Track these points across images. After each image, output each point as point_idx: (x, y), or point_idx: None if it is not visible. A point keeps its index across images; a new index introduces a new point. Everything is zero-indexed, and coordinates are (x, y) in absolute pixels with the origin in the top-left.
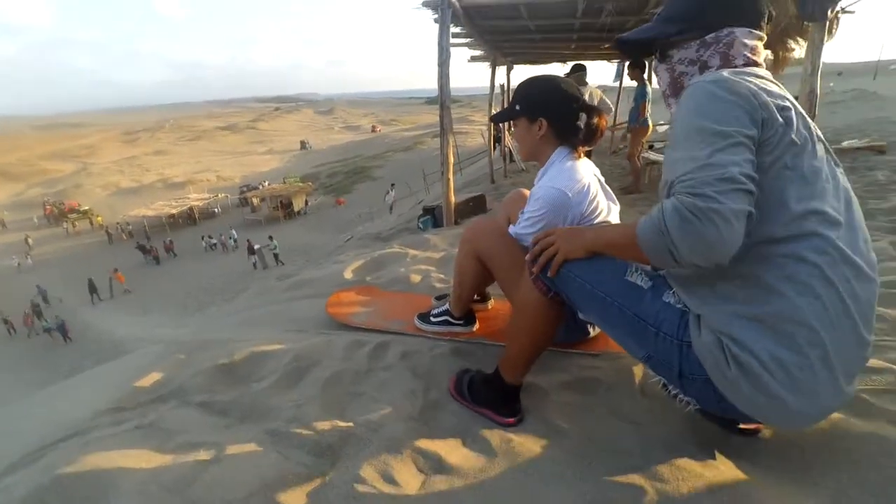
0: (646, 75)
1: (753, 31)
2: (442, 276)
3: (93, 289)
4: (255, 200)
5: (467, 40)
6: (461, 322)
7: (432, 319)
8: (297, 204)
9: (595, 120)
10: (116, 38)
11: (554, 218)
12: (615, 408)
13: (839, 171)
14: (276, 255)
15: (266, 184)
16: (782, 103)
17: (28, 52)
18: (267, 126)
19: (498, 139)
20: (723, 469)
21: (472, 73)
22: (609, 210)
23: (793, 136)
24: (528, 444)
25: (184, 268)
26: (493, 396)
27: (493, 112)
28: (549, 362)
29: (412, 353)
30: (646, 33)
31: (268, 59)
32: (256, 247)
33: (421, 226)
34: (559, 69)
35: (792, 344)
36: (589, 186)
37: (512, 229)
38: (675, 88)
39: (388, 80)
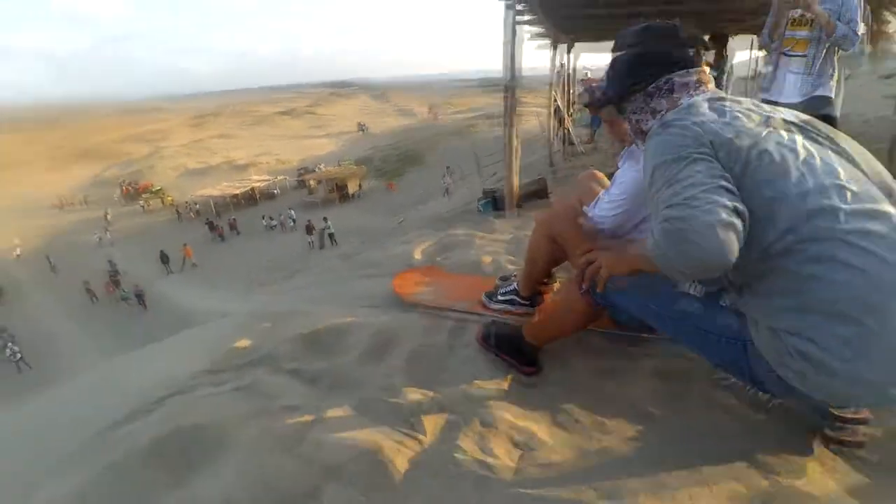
0: (727, 53)
1: (689, 69)
2: (512, 258)
3: (165, 259)
4: (311, 183)
5: (528, 18)
6: (528, 302)
7: (499, 297)
8: (352, 187)
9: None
10: (181, 28)
11: (634, 205)
12: (708, 396)
13: (828, 146)
14: (331, 236)
15: (322, 167)
16: (728, 115)
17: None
18: (324, 111)
19: (560, 121)
20: (829, 462)
21: (525, 55)
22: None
23: (746, 138)
24: (621, 427)
25: (246, 245)
26: (514, 349)
27: (555, 93)
28: (631, 349)
29: None
30: (603, 95)
31: (324, 44)
32: (319, 227)
33: (481, 208)
34: None
35: (845, 318)
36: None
37: (590, 211)
38: (637, 134)
39: (440, 62)
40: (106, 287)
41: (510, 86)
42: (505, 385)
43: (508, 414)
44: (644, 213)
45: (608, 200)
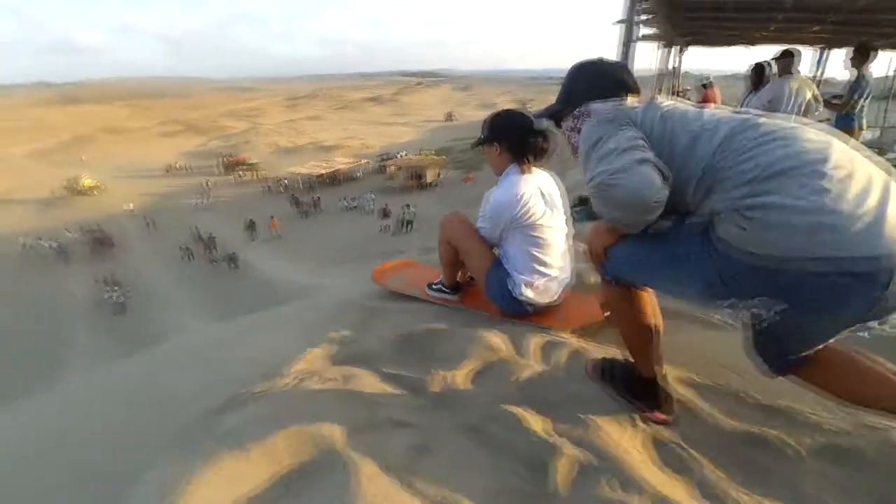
0: (871, 63)
1: (607, 100)
2: None
3: (251, 227)
4: (392, 169)
5: (646, 17)
6: (450, 291)
7: (433, 287)
8: (430, 176)
9: (540, 142)
10: (277, 14)
11: (496, 216)
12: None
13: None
14: (409, 223)
15: (403, 154)
16: (637, 109)
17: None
18: (408, 99)
19: None
20: None
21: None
22: (545, 214)
23: (660, 113)
24: None
25: (326, 223)
26: (632, 387)
27: (658, 94)
28: (799, 418)
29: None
30: (549, 109)
31: (408, 36)
32: (399, 212)
33: (575, 216)
34: (741, 53)
35: (791, 174)
36: (523, 196)
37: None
38: (572, 147)
39: (526, 57)
40: (203, 248)
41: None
42: (634, 432)
43: (648, 473)
44: (503, 224)
45: (480, 215)
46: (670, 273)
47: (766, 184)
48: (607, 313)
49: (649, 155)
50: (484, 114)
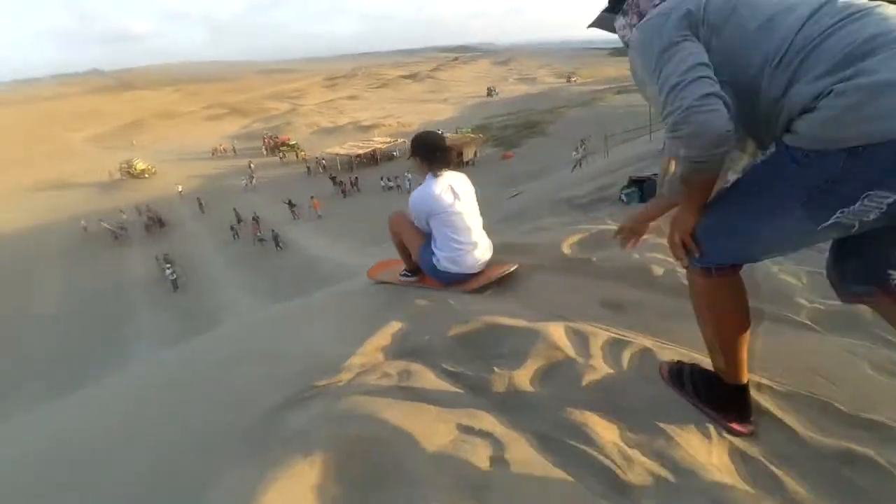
0: None
1: None
2: (684, 271)
3: (292, 207)
4: None
5: None
6: (410, 274)
7: (402, 274)
8: (467, 154)
9: (446, 154)
10: None
11: (416, 210)
12: None
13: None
14: None
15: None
16: None
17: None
18: (445, 75)
19: None
20: None
21: None
22: (454, 204)
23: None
24: None
25: (365, 203)
26: (713, 394)
27: None
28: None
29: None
30: (600, 16)
31: (451, 8)
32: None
33: (624, 198)
34: None
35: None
36: (433, 193)
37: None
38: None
39: (570, 25)
40: (250, 228)
41: None
42: (716, 445)
43: (733, 493)
44: (424, 215)
45: (409, 210)
46: (765, 212)
47: (863, 61)
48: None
49: (714, 84)
50: (525, 88)
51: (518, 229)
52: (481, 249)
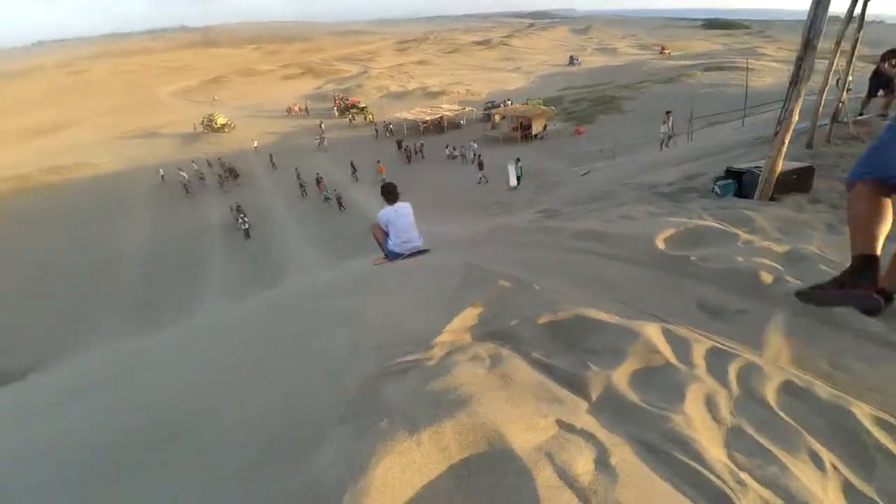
0: None
1: None
2: (798, 282)
3: (353, 169)
4: (496, 118)
5: None
6: (385, 258)
7: (383, 258)
8: (536, 127)
9: (393, 195)
10: None
11: (380, 220)
12: None
13: None
14: (520, 177)
15: (509, 102)
16: None
17: None
18: (519, 43)
19: (880, 83)
20: None
21: None
22: (397, 218)
23: None
24: None
25: (428, 170)
26: (842, 281)
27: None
28: None
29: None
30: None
31: None
32: (510, 164)
33: (718, 191)
34: None
35: None
36: (388, 213)
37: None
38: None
39: None
40: (319, 186)
41: (811, 39)
42: (829, 478)
43: None
44: (384, 223)
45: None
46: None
47: None
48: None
49: None
50: (603, 60)
51: (601, 215)
52: (412, 242)
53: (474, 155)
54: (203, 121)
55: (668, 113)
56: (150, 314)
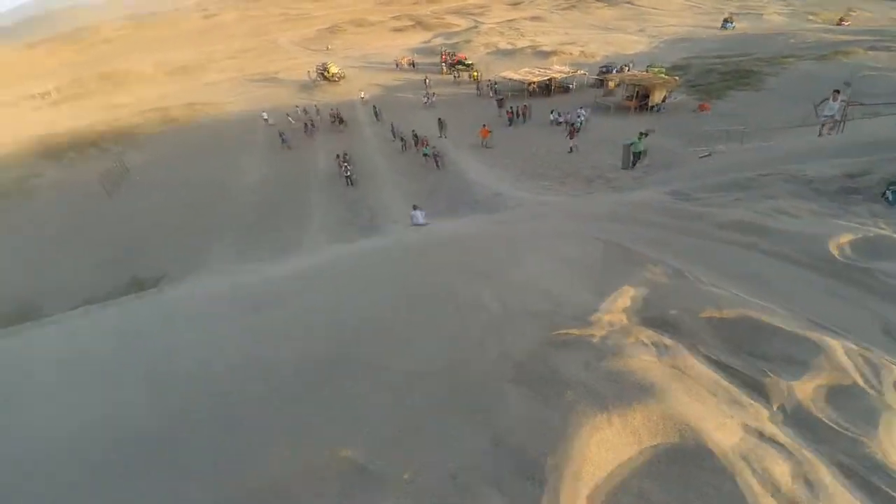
0: None
1: None
2: None
3: (441, 126)
4: (611, 84)
5: None
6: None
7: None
8: (655, 98)
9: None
10: None
11: (411, 215)
12: None
13: None
14: (640, 154)
15: (628, 67)
16: None
17: None
18: (645, 2)
19: None
20: None
21: None
22: (416, 214)
23: None
24: None
25: (528, 134)
26: None
27: None
28: None
29: None
30: None
31: None
32: (629, 142)
33: (891, 197)
34: None
35: None
36: (412, 213)
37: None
38: None
39: None
40: (422, 141)
41: None
42: None
43: None
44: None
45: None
46: None
47: None
48: None
49: None
50: (744, 26)
51: (748, 205)
52: (419, 220)
53: (582, 121)
54: (317, 69)
55: (836, 91)
56: (262, 241)
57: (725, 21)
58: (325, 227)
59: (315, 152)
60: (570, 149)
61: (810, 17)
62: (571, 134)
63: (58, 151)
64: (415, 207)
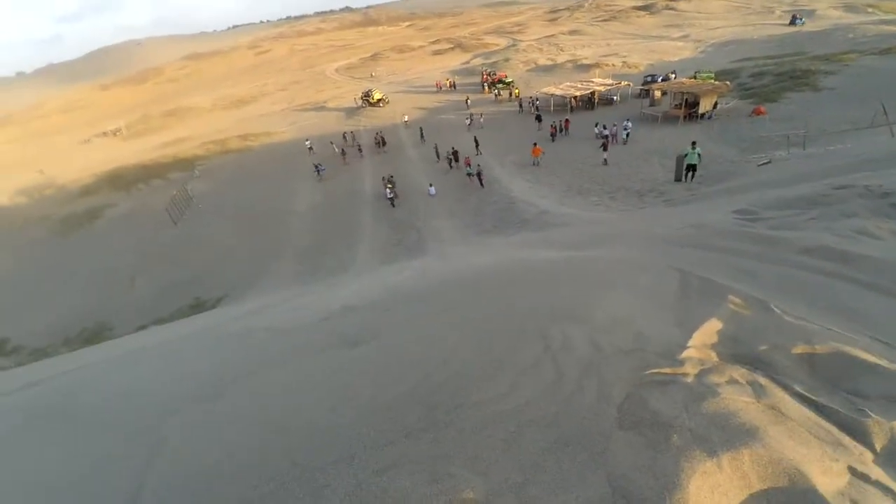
0: None
1: None
2: None
3: (477, 144)
4: (657, 93)
5: None
6: None
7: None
8: (705, 105)
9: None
10: None
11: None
12: None
13: None
14: (692, 167)
15: (673, 76)
16: None
17: None
18: (688, 6)
19: None
20: None
21: None
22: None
23: None
24: None
25: (571, 149)
26: None
27: None
28: None
29: None
30: None
31: None
32: (683, 153)
33: None
34: None
35: None
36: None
37: None
38: None
39: None
40: (466, 160)
41: None
42: None
43: None
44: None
45: None
46: None
47: None
48: None
49: None
50: (794, 30)
51: (827, 227)
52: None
53: (627, 135)
54: (362, 95)
55: None
56: (315, 263)
57: (794, 18)
58: (375, 249)
59: (362, 176)
60: (604, 161)
61: (870, 10)
62: (605, 146)
63: (128, 182)
64: (430, 185)
